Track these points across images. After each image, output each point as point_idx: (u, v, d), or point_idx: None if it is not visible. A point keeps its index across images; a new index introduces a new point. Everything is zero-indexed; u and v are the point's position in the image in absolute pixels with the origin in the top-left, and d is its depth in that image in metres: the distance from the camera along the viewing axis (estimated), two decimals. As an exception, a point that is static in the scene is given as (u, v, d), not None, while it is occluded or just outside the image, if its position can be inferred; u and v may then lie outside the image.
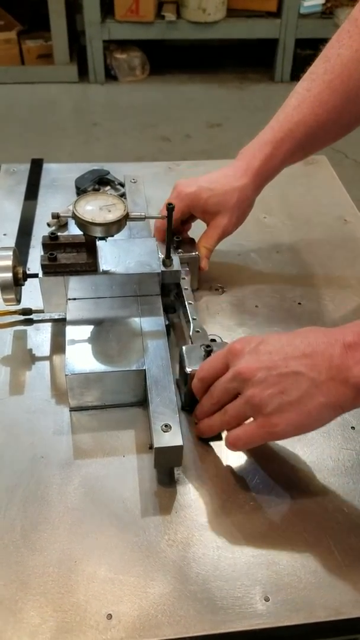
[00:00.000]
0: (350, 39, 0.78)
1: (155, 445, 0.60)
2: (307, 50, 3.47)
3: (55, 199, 1.03)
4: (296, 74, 3.56)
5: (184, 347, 0.69)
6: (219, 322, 0.82)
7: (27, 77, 3.52)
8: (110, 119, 3.37)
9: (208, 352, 0.67)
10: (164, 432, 0.61)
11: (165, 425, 0.61)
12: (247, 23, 3.38)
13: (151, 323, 0.73)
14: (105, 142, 3.16)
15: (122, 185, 1.03)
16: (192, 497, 0.62)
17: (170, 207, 0.71)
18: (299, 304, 0.86)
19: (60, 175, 1.08)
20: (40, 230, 0.95)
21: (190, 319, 0.75)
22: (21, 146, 2.91)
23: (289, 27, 3.34)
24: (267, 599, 0.55)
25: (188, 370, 0.67)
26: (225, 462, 0.66)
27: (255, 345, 0.60)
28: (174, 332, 0.81)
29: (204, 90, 3.56)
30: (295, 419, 0.57)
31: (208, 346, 0.68)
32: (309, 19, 3.35)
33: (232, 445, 0.62)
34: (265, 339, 0.61)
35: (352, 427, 0.70)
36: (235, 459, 0.66)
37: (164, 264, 0.78)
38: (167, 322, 0.81)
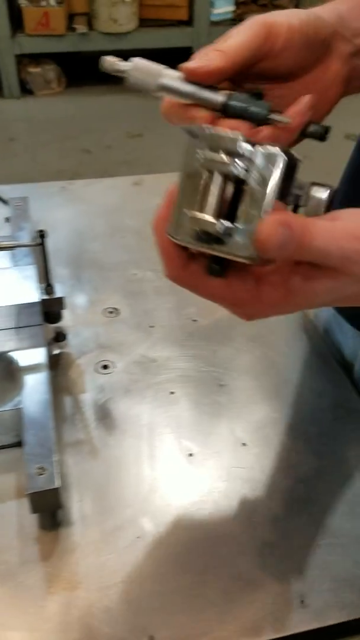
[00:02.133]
0: None
1: (28, 490, 0.56)
2: (222, 56, 3.51)
3: None
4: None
5: None
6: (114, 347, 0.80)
7: None
8: (28, 133, 3.31)
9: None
10: (39, 475, 0.57)
11: (40, 468, 0.58)
12: (160, 32, 3.39)
13: (31, 356, 0.70)
14: (23, 158, 3.10)
15: (6, 202, 0.98)
16: (76, 539, 0.59)
17: (41, 235, 0.68)
18: (194, 320, 0.84)
19: None
20: None
21: None
22: None
23: (201, 35, 3.36)
24: (154, 642, 0.53)
25: None
26: (114, 497, 0.63)
27: None
28: (65, 360, 0.78)
29: (123, 101, 3.54)
30: None
31: None
32: (220, 27, 3.38)
33: None
34: None
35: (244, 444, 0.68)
36: (123, 494, 0.63)
37: (46, 291, 0.74)
38: (58, 351, 0.79)
